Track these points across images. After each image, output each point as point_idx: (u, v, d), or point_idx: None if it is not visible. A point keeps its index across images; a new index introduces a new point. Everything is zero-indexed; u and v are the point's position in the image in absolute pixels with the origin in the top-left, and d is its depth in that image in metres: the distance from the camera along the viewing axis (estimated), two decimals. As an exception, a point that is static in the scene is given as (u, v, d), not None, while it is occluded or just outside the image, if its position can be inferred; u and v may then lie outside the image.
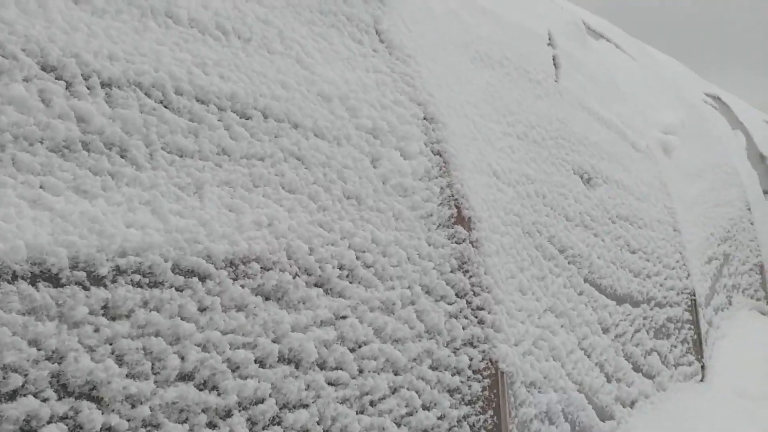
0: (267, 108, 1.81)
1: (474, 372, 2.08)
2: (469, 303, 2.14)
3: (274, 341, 1.59)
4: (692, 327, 3.85)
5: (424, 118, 2.30)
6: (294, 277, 1.68)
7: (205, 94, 1.70)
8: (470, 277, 2.18)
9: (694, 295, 3.92)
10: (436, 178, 2.23)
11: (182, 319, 1.43)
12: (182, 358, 1.40)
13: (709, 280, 4.43)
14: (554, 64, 3.68)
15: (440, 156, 2.27)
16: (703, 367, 3.86)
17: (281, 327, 1.61)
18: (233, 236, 1.57)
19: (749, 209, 5.82)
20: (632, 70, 5.14)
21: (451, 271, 2.13)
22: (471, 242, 2.23)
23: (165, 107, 1.58)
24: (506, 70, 3.11)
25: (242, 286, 1.56)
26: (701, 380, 3.83)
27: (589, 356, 2.84)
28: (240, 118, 1.75)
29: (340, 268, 1.80)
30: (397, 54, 2.36)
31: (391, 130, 2.14)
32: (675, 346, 3.63)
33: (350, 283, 1.82)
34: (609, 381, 2.96)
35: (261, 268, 1.61)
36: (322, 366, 1.69)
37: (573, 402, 2.60)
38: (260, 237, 1.62)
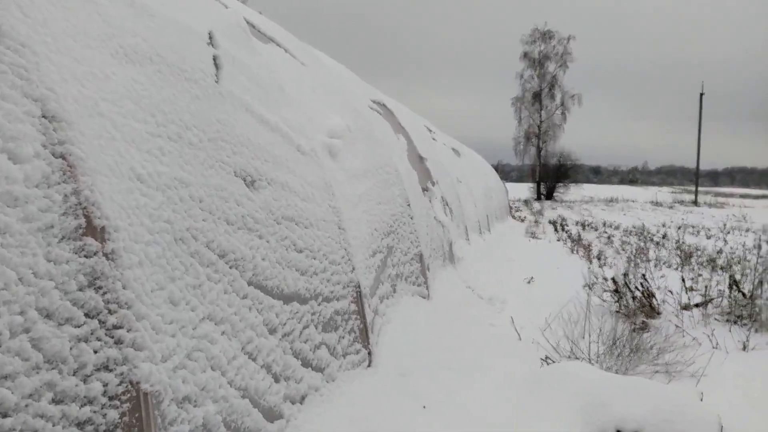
0: None
1: (110, 398, 1.87)
2: (102, 323, 1.93)
3: None
4: (359, 317, 4.13)
5: (43, 116, 2.00)
6: None
7: None
8: (104, 293, 1.96)
9: (359, 287, 4.22)
10: (59, 184, 1.95)
11: None
12: None
13: (374, 271, 4.82)
14: (215, 65, 3.59)
15: (64, 159, 2.00)
16: (369, 354, 4.16)
17: None
18: None
19: (409, 205, 6.53)
20: (301, 75, 5.34)
21: (80, 290, 1.89)
22: (105, 255, 2.01)
23: None
24: (157, 68, 2.91)
25: None
26: (368, 366, 4.11)
27: (254, 359, 2.82)
28: None
29: None
30: (6, 42, 2.01)
31: (-6, 129, 1.81)
32: (343, 337, 3.84)
33: (-72, 316, 1.47)
34: (277, 381, 2.99)
35: None
36: None
37: (236, 410, 2.55)
38: None
